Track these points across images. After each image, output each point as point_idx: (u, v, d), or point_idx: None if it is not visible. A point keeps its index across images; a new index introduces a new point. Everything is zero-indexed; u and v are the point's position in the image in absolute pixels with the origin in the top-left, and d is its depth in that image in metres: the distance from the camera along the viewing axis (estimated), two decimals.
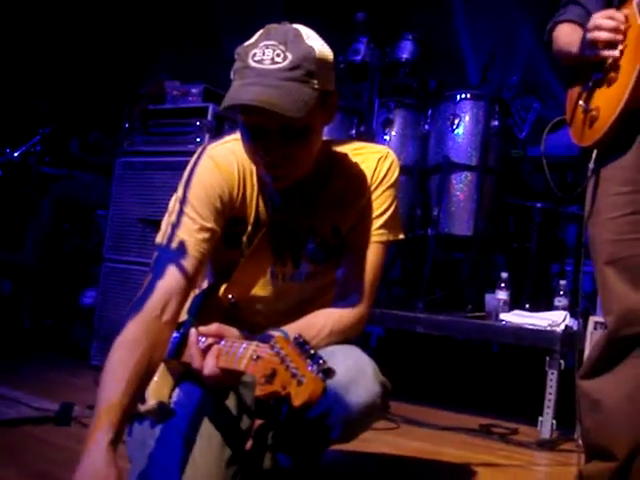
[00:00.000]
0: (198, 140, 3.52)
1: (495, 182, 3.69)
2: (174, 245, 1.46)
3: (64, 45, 5.59)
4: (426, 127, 3.82)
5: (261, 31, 1.42)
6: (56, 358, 3.98)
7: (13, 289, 4.52)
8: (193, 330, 1.41)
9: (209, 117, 3.58)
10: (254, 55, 1.37)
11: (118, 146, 3.89)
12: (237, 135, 1.51)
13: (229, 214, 1.55)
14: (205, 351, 1.39)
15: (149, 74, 4.09)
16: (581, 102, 1.80)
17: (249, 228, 1.60)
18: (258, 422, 1.70)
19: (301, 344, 1.14)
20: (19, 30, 5.60)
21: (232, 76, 1.41)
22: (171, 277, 1.43)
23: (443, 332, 3.31)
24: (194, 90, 3.74)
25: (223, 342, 1.38)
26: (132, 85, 4.13)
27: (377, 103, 3.93)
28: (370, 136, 3.80)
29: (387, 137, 3.85)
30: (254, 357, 1.23)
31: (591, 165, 1.81)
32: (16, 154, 4.76)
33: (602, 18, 1.70)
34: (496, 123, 3.65)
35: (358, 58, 4.19)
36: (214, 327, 1.43)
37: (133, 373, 1.31)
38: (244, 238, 1.60)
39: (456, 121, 3.65)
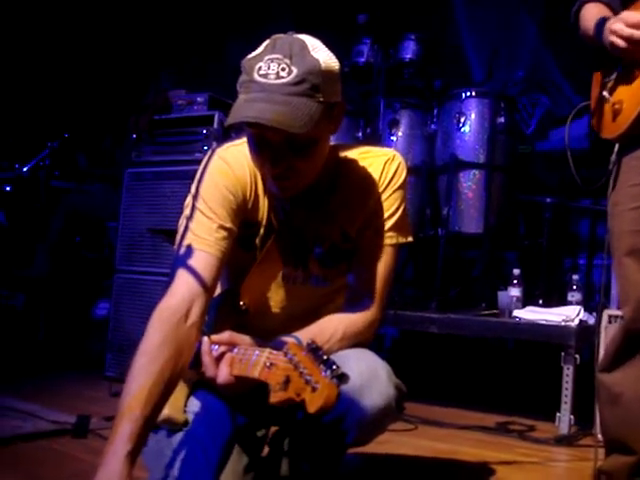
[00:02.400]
0: (205, 148, 3.53)
1: (504, 179, 3.67)
2: (193, 247, 1.45)
3: (68, 59, 5.61)
4: (432, 126, 3.81)
5: (267, 42, 1.42)
6: (70, 370, 3.99)
7: (26, 302, 4.53)
8: (205, 339, 1.42)
9: (215, 125, 3.59)
10: (259, 69, 1.37)
11: (126, 157, 3.90)
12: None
13: (243, 216, 1.55)
14: (218, 359, 1.39)
15: (153, 84, 4.09)
16: (605, 93, 1.78)
17: (261, 231, 1.59)
18: (273, 429, 1.70)
19: (314, 350, 1.14)
20: (26, 43, 5.62)
21: (238, 88, 1.41)
22: (192, 279, 1.42)
23: (457, 331, 3.30)
24: (199, 99, 3.76)
25: (236, 350, 1.39)
26: (137, 96, 4.15)
27: (382, 104, 3.91)
28: (377, 137, 3.79)
29: (394, 138, 3.84)
30: (267, 364, 1.23)
31: (613, 157, 1.79)
32: (25, 169, 4.77)
33: (629, 28, 1.64)
34: (502, 120, 3.63)
35: (362, 60, 4.18)
36: (226, 335, 1.43)
37: (156, 381, 1.28)
38: (257, 241, 1.60)
39: (462, 119, 3.64)
